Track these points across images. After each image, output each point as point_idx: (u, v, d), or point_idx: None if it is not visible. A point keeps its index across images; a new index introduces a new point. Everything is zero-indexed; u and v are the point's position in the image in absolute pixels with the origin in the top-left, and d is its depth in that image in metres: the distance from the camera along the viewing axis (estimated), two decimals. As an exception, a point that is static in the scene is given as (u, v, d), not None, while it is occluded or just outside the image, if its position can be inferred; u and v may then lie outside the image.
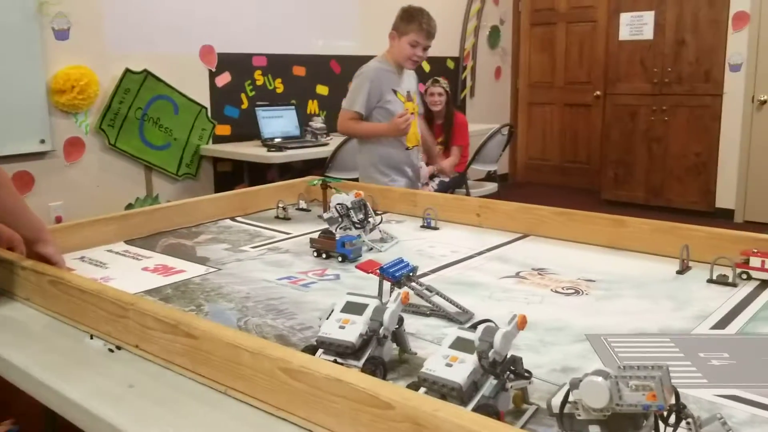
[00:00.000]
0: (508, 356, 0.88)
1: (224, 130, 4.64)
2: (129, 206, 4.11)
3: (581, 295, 1.38)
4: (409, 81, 2.98)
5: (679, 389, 0.95)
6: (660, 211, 5.86)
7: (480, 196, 4.79)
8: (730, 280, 1.42)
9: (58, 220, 3.70)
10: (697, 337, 1.15)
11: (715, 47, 5.76)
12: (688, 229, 1.62)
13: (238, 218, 2.08)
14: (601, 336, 1.16)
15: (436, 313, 1.25)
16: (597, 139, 6.95)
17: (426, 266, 1.57)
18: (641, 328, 1.19)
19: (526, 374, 0.89)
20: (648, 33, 6.12)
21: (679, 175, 6.04)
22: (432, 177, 4.67)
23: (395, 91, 2.89)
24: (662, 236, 1.64)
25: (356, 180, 3.70)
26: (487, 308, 1.29)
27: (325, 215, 1.75)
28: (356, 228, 1.72)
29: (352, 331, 0.98)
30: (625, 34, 6.25)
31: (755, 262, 1.44)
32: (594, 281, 1.46)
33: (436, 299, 1.28)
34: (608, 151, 6.47)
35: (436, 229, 1.93)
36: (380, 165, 2.93)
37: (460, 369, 0.84)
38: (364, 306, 1.00)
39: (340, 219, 1.71)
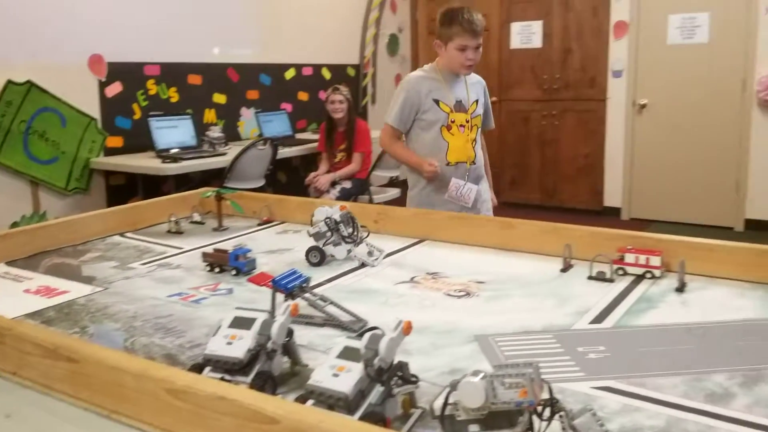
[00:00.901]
0: (395, 362, 0.89)
1: (116, 141, 4.47)
2: (14, 224, 3.88)
3: (472, 296, 1.43)
4: (464, 89, 2.66)
5: (558, 383, 1.01)
6: (554, 211, 6.13)
7: (383, 202, 4.87)
8: (608, 276, 1.51)
9: (-67, 242, 3.44)
10: (576, 332, 1.22)
11: (598, 55, 6.09)
12: (570, 229, 1.70)
13: (128, 234, 2.01)
14: (488, 336, 1.20)
15: (330, 322, 1.25)
16: (495, 144, 7.16)
17: (322, 276, 1.57)
18: (526, 326, 1.25)
19: (413, 379, 0.91)
20: (537, 41, 6.40)
21: (570, 176, 6.34)
22: (333, 184, 4.69)
23: (437, 101, 2.61)
24: (547, 236, 1.72)
25: (254, 190, 3.64)
26: (381, 315, 1.30)
27: (311, 230, 1.67)
28: (346, 242, 1.67)
29: (239, 346, 0.97)
30: (516, 42, 6.52)
31: (630, 258, 1.53)
32: (484, 282, 1.51)
33: (330, 309, 1.29)
34: (505, 155, 6.70)
35: (333, 237, 1.94)
36: (417, 181, 2.67)
37: (347, 378, 0.85)
38: (252, 320, 1.00)
39: (329, 234, 1.66)
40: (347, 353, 0.89)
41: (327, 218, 1.66)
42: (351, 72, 6.68)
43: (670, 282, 1.47)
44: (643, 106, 5.93)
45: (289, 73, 5.85)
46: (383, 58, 7.19)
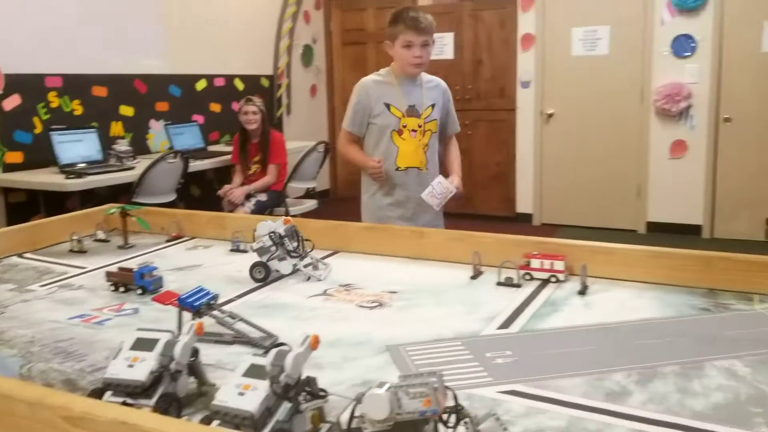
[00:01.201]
0: (303, 377, 0.89)
1: (15, 157, 4.24)
2: None
3: (384, 307, 1.43)
4: (420, 93, 2.64)
5: (466, 389, 1.03)
6: (469, 218, 6.25)
7: (300, 214, 4.84)
8: (516, 281, 1.55)
9: None
10: (485, 338, 1.24)
11: (507, 66, 6.28)
12: (479, 237, 1.74)
13: (26, 254, 1.91)
14: (399, 346, 1.21)
15: (239, 340, 1.23)
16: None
17: (233, 292, 1.54)
18: (437, 335, 1.26)
19: (322, 393, 0.90)
20: (449, 53, 6.53)
21: (484, 184, 6.50)
22: (248, 197, 4.62)
23: (388, 105, 2.60)
24: (457, 244, 1.75)
25: (165, 205, 3.55)
26: (293, 329, 1.29)
27: (254, 245, 1.62)
28: (292, 257, 1.63)
29: (141, 368, 0.93)
30: (428, 53, 6.62)
31: (535, 263, 1.58)
32: (396, 292, 1.52)
33: (239, 326, 1.26)
34: (420, 164, 6.79)
35: (245, 252, 1.91)
36: (370, 185, 2.68)
37: (252, 397, 0.84)
38: (155, 341, 0.96)
39: (273, 248, 1.61)
40: (253, 371, 0.88)
41: (271, 232, 1.63)
42: (265, 83, 6.62)
43: (573, 285, 1.53)
44: (550, 116, 6.15)
45: (200, 84, 5.74)
46: (298, 68, 7.17)
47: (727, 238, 5.54)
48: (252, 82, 6.37)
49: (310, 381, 0.89)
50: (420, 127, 2.62)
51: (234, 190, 4.60)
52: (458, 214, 6.41)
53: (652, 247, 1.60)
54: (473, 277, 1.62)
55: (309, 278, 1.63)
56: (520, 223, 6.26)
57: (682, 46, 5.55)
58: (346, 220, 1.98)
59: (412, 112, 2.61)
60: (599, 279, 1.56)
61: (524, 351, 1.18)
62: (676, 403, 0.98)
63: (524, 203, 6.36)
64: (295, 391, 0.86)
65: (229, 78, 6.09)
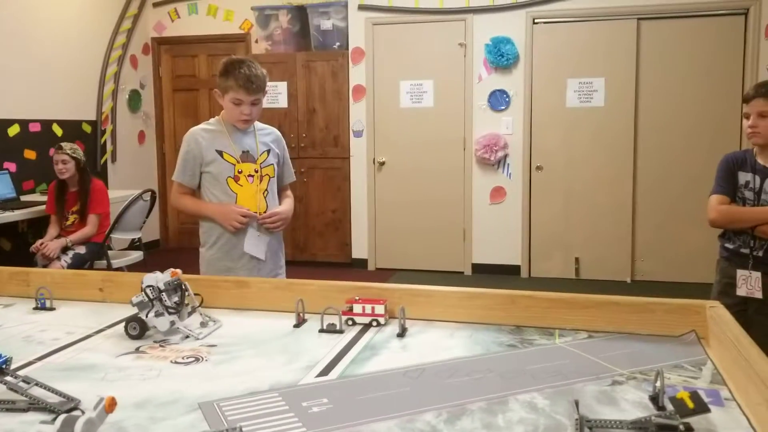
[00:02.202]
0: (98, 444, 0.83)
1: None
2: None
3: (201, 362, 1.38)
4: (253, 138, 2.60)
5: (279, 442, 1.01)
6: (307, 265, 6.27)
7: (126, 267, 4.57)
8: (338, 327, 1.57)
9: None
10: (302, 388, 1.23)
11: (340, 116, 6.45)
12: (303, 284, 1.74)
13: None
14: (214, 402, 1.17)
15: (36, 406, 1.13)
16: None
17: (32, 354, 1.41)
18: (254, 387, 1.23)
19: (119, 459, 0.85)
20: (283, 101, 6.59)
21: (320, 231, 6.55)
22: (65, 250, 4.29)
23: (220, 152, 2.53)
24: (281, 293, 1.74)
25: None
26: (98, 391, 1.20)
27: (135, 299, 1.52)
28: (170, 313, 1.52)
29: None
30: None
31: (357, 308, 1.61)
32: (215, 346, 1.48)
33: (35, 391, 1.16)
34: (256, 212, 6.71)
35: (51, 309, 1.76)
36: (210, 236, 2.58)
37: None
38: None
39: (151, 303, 1.51)
40: (39, 441, 0.80)
41: (149, 286, 1.53)
42: (87, 128, 6.27)
43: (393, 328, 1.57)
44: (382, 164, 6.37)
45: (13, 130, 5.31)
46: (124, 114, 6.87)
47: (542, 276, 6.00)
48: (72, 127, 6.01)
49: (106, 447, 0.84)
50: (257, 172, 2.59)
51: (48, 244, 4.25)
52: (295, 262, 6.40)
53: (465, 288, 1.68)
54: (296, 326, 1.61)
55: (187, 337, 1.54)
56: (356, 268, 6.36)
57: (498, 100, 6.02)
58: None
59: (247, 157, 2.58)
60: (418, 321, 1.61)
61: (340, 397, 1.19)
62: (480, 437, 1.03)
63: (359, 249, 6.48)
64: (87, 460, 0.80)
65: (47, 123, 5.70)
